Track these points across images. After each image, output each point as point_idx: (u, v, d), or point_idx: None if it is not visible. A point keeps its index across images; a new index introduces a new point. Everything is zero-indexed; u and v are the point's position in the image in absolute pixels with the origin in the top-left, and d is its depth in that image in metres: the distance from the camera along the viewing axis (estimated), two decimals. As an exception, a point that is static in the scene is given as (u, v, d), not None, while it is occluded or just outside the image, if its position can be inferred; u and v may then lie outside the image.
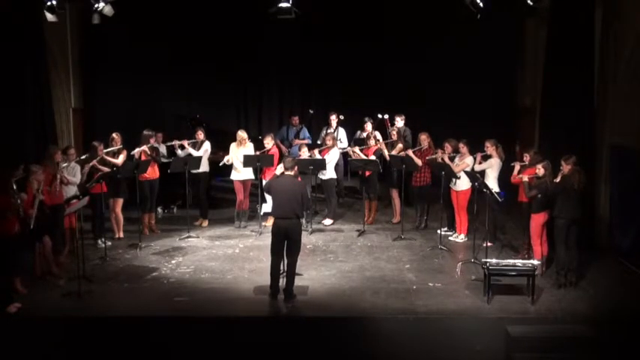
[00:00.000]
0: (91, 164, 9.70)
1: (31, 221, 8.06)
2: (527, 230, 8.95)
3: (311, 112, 13.09)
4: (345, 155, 12.49)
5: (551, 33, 10.23)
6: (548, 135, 10.24)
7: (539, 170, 8.59)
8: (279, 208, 8.01)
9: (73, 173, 9.40)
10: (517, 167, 9.22)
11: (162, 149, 11.45)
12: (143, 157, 10.42)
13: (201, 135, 11.17)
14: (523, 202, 9.13)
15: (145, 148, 10.44)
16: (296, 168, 8.40)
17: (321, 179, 11.13)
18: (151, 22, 12.55)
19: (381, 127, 12.04)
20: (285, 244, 8.04)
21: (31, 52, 10.46)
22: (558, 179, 8.35)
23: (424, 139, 10.76)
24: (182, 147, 11.11)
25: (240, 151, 10.88)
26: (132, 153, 10.39)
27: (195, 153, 10.95)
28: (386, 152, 11.01)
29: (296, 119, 12.88)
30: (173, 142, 11.18)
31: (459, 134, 10.43)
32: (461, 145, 10.14)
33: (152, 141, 10.58)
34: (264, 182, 10.68)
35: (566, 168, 8.33)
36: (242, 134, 11.07)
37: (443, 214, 10.49)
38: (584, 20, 9.73)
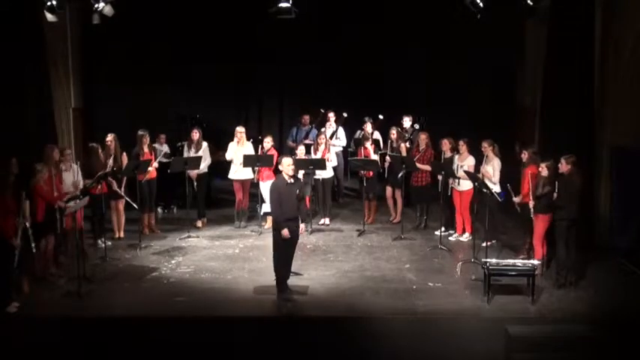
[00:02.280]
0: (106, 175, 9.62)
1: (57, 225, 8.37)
2: (529, 230, 8.95)
3: (322, 111, 12.67)
4: (345, 155, 12.53)
5: (551, 33, 10.22)
6: (548, 135, 10.24)
7: (543, 170, 8.56)
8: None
9: (78, 180, 9.39)
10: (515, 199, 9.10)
11: (165, 148, 11.48)
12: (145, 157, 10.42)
13: (196, 135, 11.01)
14: (524, 203, 9.12)
15: (145, 150, 10.47)
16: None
17: (322, 178, 11.08)
18: (151, 21, 12.55)
19: (381, 127, 12.03)
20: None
21: (31, 52, 10.45)
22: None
23: (423, 138, 10.74)
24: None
25: (239, 149, 10.86)
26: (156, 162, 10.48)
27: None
28: (387, 158, 10.97)
29: (306, 118, 12.78)
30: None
31: (459, 134, 10.42)
32: (461, 143, 10.12)
33: (145, 140, 10.54)
34: (261, 184, 10.71)
35: (565, 167, 8.33)
36: (239, 129, 11.01)
37: (442, 214, 10.47)
38: (584, 20, 9.73)
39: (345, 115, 12.15)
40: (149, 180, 10.53)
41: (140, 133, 10.58)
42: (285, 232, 7.94)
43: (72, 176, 9.36)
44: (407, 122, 11.82)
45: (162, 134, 11.69)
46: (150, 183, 10.57)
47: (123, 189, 10.07)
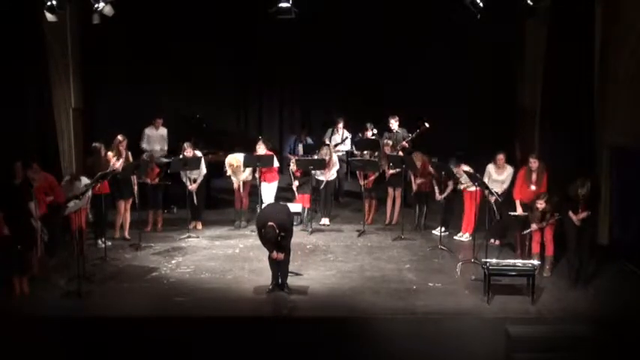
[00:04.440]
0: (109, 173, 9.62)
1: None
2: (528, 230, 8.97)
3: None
4: (346, 155, 12.52)
5: (551, 33, 10.23)
6: (549, 136, 10.23)
7: (541, 205, 8.59)
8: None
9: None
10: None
11: (163, 132, 11.70)
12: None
13: (189, 152, 10.64)
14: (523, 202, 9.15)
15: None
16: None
17: (324, 180, 11.03)
18: (151, 21, 12.56)
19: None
20: None
21: (31, 52, 10.45)
22: (585, 191, 8.41)
23: (419, 158, 10.60)
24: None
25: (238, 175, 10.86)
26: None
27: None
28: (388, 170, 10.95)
29: (304, 133, 12.57)
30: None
31: (459, 134, 10.42)
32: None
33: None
34: (262, 185, 10.72)
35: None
36: (230, 161, 10.86)
37: (441, 214, 10.45)
38: (584, 20, 9.73)
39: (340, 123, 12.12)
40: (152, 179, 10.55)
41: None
42: (274, 254, 8.05)
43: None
44: (393, 124, 11.75)
45: (160, 119, 11.72)
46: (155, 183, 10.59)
47: (136, 188, 10.12)
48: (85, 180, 9.42)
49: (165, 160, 11.31)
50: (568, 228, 8.57)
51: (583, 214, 8.44)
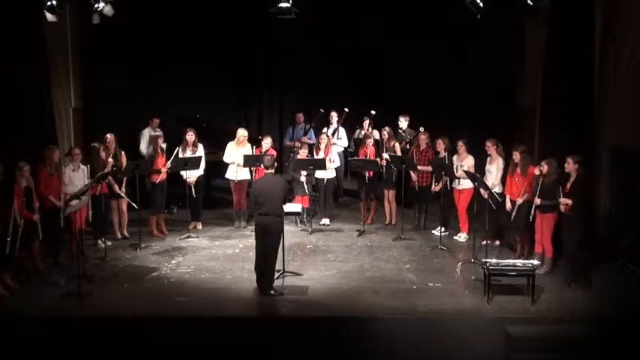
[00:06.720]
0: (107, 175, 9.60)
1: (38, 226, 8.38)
2: (528, 229, 8.95)
3: (322, 110, 12.72)
4: (345, 155, 12.53)
5: (551, 33, 10.22)
6: (548, 135, 10.23)
7: (544, 167, 8.57)
8: (262, 207, 8.13)
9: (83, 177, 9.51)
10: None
11: (159, 132, 11.56)
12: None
13: (191, 137, 10.72)
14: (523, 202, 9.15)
15: (158, 151, 10.55)
16: (275, 165, 8.46)
17: (324, 179, 11.07)
18: (151, 21, 12.56)
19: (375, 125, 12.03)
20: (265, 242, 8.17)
21: (31, 52, 10.45)
22: (573, 178, 8.39)
23: (424, 139, 10.73)
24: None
25: (240, 151, 10.85)
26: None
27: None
28: (386, 155, 10.95)
29: (300, 116, 12.81)
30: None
31: (459, 134, 10.43)
32: (460, 143, 10.12)
33: (160, 142, 10.63)
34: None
35: (572, 166, 8.38)
36: (242, 132, 11.02)
37: (441, 214, 10.46)
38: (584, 20, 9.72)
39: (346, 110, 12.18)
40: (160, 182, 10.51)
41: (153, 134, 10.68)
42: None
43: (82, 177, 9.41)
44: (403, 123, 11.79)
45: (157, 119, 11.69)
46: (162, 184, 10.56)
47: (123, 189, 10.07)
48: (82, 167, 9.50)
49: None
50: (564, 223, 8.59)
51: (565, 200, 8.40)
